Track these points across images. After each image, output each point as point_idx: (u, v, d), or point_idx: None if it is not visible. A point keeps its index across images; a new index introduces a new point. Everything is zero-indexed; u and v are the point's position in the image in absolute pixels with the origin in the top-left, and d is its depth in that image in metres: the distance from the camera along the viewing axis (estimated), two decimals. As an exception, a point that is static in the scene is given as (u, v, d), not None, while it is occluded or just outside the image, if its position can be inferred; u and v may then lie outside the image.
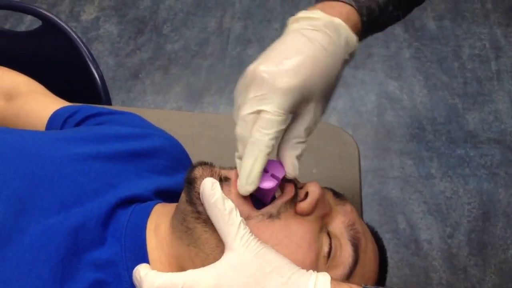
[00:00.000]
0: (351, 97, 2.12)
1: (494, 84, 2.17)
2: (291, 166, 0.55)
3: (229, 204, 0.50)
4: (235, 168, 0.55)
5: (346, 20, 0.57)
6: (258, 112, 0.52)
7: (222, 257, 0.49)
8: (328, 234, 0.57)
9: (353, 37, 0.58)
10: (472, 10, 2.43)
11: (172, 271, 0.54)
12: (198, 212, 0.53)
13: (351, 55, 0.58)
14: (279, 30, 2.30)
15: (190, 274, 0.48)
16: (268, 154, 0.52)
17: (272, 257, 0.49)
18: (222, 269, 0.48)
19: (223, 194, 0.51)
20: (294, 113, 0.55)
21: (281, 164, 0.56)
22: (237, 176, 0.54)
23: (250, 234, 0.49)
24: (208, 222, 0.52)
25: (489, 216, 1.82)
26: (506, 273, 1.69)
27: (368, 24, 0.61)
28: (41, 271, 0.51)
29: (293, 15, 0.59)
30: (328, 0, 0.60)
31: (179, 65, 2.25)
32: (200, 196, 0.52)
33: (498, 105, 2.10)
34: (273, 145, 0.52)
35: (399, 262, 1.72)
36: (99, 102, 1.16)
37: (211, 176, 0.53)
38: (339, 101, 2.10)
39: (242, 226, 0.49)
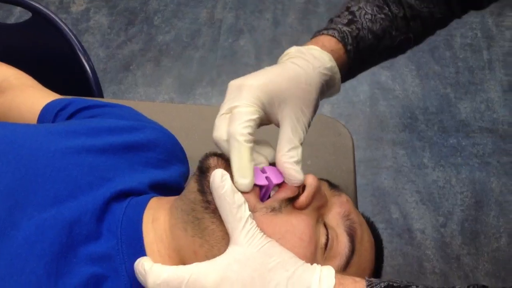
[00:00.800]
0: (344, 88, 2.10)
1: (486, 73, 2.17)
2: (294, 173, 0.56)
3: (239, 198, 0.51)
4: None
5: (321, 46, 0.64)
6: (230, 110, 0.55)
7: (227, 251, 0.49)
8: (325, 225, 0.57)
9: (325, 55, 0.63)
10: None
11: (173, 264, 0.54)
12: (208, 201, 0.52)
13: (331, 70, 0.63)
14: (271, 20, 2.29)
15: (196, 267, 0.48)
16: (246, 142, 0.53)
17: (276, 251, 0.49)
18: (228, 263, 0.48)
19: (233, 187, 0.51)
20: (273, 118, 0.58)
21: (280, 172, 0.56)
22: None
23: (256, 228, 0.50)
24: (216, 213, 0.52)
25: (482, 205, 1.83)
26: (499, 261, 1.71)
27: (360, 51, 0.68)
28: (35, 266, 0.50)
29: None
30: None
31: (170, 57, 2.24)
32: (210, 186, 0.52)
33: (490, 94, 2.11)
34: (249, 134, 0.53)
35: (392, 251, 1.73)
36: (90, 94, 1.15)
37: (225, 168, 0.53)
38: (331, 92, 2.10)
39: (250, 220, 0.50)
